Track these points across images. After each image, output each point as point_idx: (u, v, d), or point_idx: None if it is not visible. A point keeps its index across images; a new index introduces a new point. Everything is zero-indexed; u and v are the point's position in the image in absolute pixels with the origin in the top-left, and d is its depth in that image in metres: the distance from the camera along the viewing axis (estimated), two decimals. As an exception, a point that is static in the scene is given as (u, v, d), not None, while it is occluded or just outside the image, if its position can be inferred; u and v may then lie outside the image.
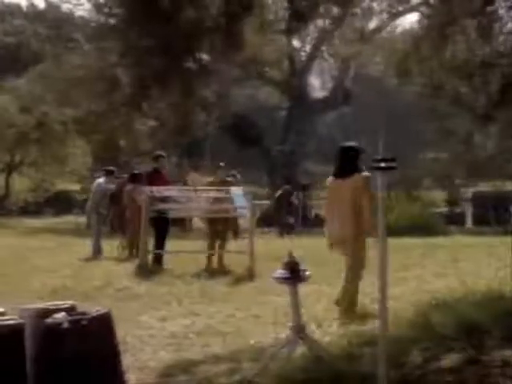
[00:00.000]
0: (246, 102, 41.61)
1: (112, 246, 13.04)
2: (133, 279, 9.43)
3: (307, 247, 10.91)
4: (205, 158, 35.88)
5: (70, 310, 3.74)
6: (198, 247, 11.82)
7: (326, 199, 7.10)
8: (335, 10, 27.44)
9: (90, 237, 13.41)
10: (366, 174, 6.58)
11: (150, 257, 10.77)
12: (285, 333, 5.02)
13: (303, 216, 21.58)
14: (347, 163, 6.72)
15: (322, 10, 27.46)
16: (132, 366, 4.76)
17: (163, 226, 11.06)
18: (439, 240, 14.79)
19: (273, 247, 11.89)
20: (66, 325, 3.59)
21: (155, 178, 11.23)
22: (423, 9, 20.83)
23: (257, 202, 12.72)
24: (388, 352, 3.90)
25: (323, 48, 30.52)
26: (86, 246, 13.30)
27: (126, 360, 4.41)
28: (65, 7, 43.17)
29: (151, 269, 10.25)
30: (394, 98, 44.62)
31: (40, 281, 9.22)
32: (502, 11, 10.70)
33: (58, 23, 48.22)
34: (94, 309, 3.80)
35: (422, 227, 16.99)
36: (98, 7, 27.75)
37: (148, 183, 11.02)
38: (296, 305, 4.68)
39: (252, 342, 5.58)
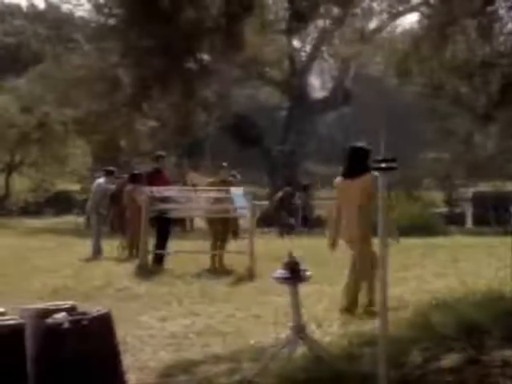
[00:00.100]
0: (246, 102, 41.64)
1: (112, 246, 13.04)
2: (133, 279, 9.44)
3: (307, 247, 10.93)
4: (205, 158, 35.95)
5: (71, 310, 3.74)
6: (199, 247, 11.82)
7: (335, 199, 7.11)
8: (335, 11, 27.42)
9: (90, 237, 13.43)
10: (375, 174, 6.59)
11: (150, 257, 10.78)
12: (285, 333, 5.02)
13: (303, 216, 21.56)
14: (356, 163, 6.74)
15: (322, 10, 27.44)
16: (132, 366, 4.76)
17: (165, 225, 11.06)
18: (439, 240, 14.81)
19: (273, 247, 11.89)
20: (66, 325, 3.59)
21: (155, 178, 11.24)
22: (423, 9, 20.79)
23: (257, 202, 12.70)
24: (388, 352, 3.91)
25: (323, 48, 30.51)
26: (86, 246, 13.31)
27: (126, 360, 4.41)
28: (65, 7, 43.29)
29: (151, 269, 10.26)
30: (394, 97, 44.67)
31: (40, 281, 9.22)
32: (502, 11, 10.69)
33: (58, 23, 48.29)
34: (94, 309, 3.80)
35: (422, 227, 17.00)
36: (98, 7, 27.70)
37: (148, 183, 11.02)
38: (296, 305, 4.68)
39: (252, 342, 5.58)
